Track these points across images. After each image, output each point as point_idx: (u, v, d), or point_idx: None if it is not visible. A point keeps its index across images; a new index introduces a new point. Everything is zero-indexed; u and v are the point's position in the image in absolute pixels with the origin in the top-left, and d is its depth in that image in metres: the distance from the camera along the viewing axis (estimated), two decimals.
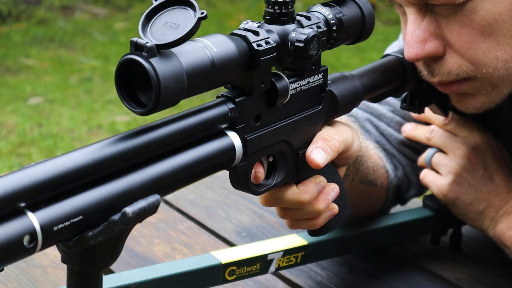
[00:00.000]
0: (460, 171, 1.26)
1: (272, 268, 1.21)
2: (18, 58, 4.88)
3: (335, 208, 1.07)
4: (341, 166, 1.12)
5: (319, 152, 1.02)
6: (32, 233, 0.73)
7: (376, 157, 1.31)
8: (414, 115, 1.29)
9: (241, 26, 0.95)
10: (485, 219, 1.26)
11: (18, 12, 5.59)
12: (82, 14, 5.81)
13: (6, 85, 4.46)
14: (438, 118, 1.28)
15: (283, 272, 1.29)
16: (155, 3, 0.85)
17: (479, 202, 1.25)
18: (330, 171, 1.08)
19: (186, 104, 1.01)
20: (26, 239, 0.73)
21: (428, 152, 1.30)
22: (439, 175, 1.28)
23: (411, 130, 1.33)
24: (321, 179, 1.06)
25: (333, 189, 1.06)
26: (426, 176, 1.30)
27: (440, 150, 1.29)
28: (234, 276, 1.17)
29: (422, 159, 1.32)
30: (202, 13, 0.82)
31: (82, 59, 4.88)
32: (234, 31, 0.92)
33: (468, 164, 1.25)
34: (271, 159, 1.02)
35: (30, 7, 5.73)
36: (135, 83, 0.83)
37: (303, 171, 1.04)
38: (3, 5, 5.53)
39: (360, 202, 1.28)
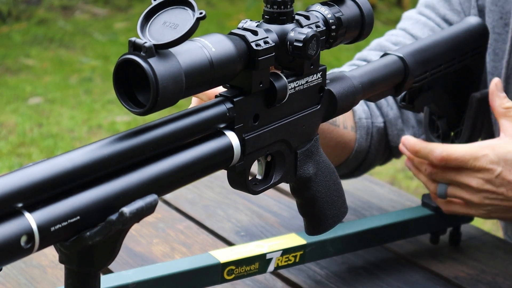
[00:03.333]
0: (487, 202, 1.23)
1: (271, 267, 1.21)
2: (18, 58, 4.88)
3: None
4: None
5: None
6: (29, 234, 0.73)
7: None
8: (401, 148, 1.28)
9: (240, 25, 0.95)
10: None
11: (18, 12, 5.59)
12: (82, 14, 5.81)
13: (6, 85, 4.46)
14: (428, 152, 1.24)
15: (282, 272, 1.29)
16: (154, 3, 0.85)
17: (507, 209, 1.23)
18: (327, 170, 1.08)
19: (186, 104, 1.01)
20: (23, 240, 0.72)
21: (439, 189, 1.27)
22: (469, 207, 1.26)
23: (410, 149, 1.27)
24: None
25: None
26: (453, 208, 1.27)
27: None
28: (233, 276, 1.17)
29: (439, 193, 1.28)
30: (200, 13, 0.82)
31: (82, 59, 4.88)
32: (232, 31, 0.92)
33: (488, 193, 1.23)
34: (269, 159, 1.02)
35: (30, 7, 5.73)
36: (134, 83, 0.83)
37: (301, 170, 1.04)
38: (3, 5, 5.53)
39: (328, 142, 1.26)
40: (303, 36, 0.95)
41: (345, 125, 1.31)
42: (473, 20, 1.31)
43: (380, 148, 1.39)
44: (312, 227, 1.10)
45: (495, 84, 1.27)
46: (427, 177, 1.27)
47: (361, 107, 1.36)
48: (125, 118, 4.03)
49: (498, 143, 1.23)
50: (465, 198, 1.25)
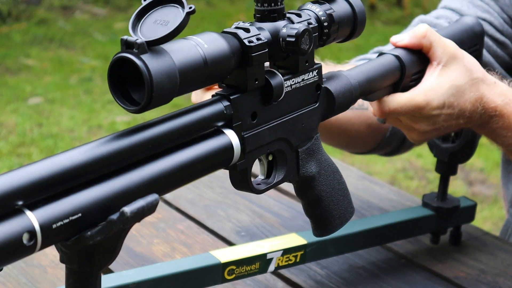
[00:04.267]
0: (426, 137, 1.23)
1: (272, 267, 1.21)
2: (18, 58, 4.88)
3: None
4: None
5: None
6: (31, 231, 0.73)
7: None
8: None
9: (233, 26, 0.96)
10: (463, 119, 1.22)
11: (18, 12, 5.60)
12: (82, 14, 5.81)
13: (6, 85, 4.46)
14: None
15: (283, 271, 1.29)
16: (144, 3, 0.86)
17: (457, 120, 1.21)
18: (330, 169, 1.08)
19: (186, 104, 1.01)
20: (25, 238, 0.72)
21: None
22: (408, 132, 1.24)
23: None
24: None
25: None
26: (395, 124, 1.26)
27: None
28: (233, 276, 1.17)
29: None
30: (190, 7, 0.83)
31: (82, 59, 4.89)
32: (225, 29, 0.93)
33: (429, 131, 1.21)
34: (270, 158, 1.02)
35: (30, 7, 5.74)
36: (129, 82, 0.83)
37: (303, 168, 1.05)
38: (3, 5, 5.54)
39: (355, 130, 1.26)
40: (295, 31, 0.96)
41: None
42: (469, 20, 1.31)
43: None
44: (319, 228, 1.10)
45: (395, 41, 1.22)
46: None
47: None
48: (125, 118, 4.03)
49: (438, 81, 1.19)
50: (404, 132, 1.24)
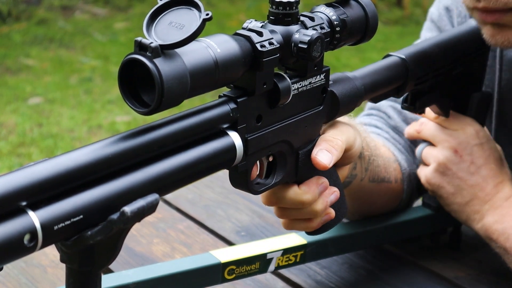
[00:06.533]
0: (445, 161, 1.26)
1: (272, 267, 1.21)
2: (18, 58, 4.88)
3: (332, 213, 1.07)
4: (343, 166, 1.12)
5: (324, 153, 1.03)
6: (33, 232, 0.73)
7: (387, 153, 1.31)
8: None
9: (245, 25, 0.94)
10: (469, 212, 1.25)
11: (18, 12, 5.60)
12: (82, 14, 5.81)
13: (6, 85, 4.46)
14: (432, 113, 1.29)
15: (283, 271, 1.30)
16: (160, 3, 0.85)
17: (463, 194, 1.25)
18: (329, 171, 1.08)
19: (187, 104, 1.01)
20: (26, 238, 0.73)
21: (419, 147, 1.30)
22: (427, 166, 1.29)
23: (408, 128, 1.33)
24: (323, 180, 1.06)
25: (333, 193, 1.07)
26: (419, 170, 1.31)
27: (430, 143, 1.30)
28: (233, 275, 1.18)
29: (417, 154, 1.32)
30: (207, 14, 0.82)
31: (82, 59, 4.88)
32: (237, 31, 0.92)
33: (454, 155, 1.26)
34: (271, 159, 1.02)
35: (30, 7, 5.74)
36: (138, 82, 0.83)
37: (302, 171, 1.04)
38: (3, 5, 5.54)
39: (376, 200, 1.28)
40: (308, 38, 0.95)
41: (396, 179, 1.32)
42: (474, 22, 1.31)
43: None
44: None
45: None
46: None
47: (403, 156, 1.37)
48: (125, 118, 4.03)
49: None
50: (432, 154, 1.28)
